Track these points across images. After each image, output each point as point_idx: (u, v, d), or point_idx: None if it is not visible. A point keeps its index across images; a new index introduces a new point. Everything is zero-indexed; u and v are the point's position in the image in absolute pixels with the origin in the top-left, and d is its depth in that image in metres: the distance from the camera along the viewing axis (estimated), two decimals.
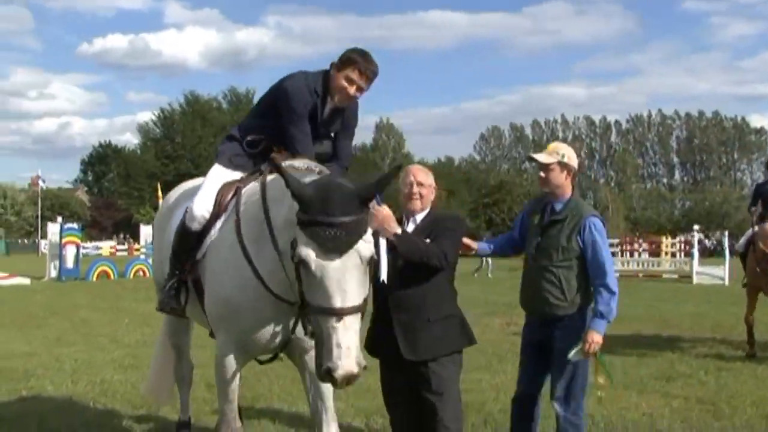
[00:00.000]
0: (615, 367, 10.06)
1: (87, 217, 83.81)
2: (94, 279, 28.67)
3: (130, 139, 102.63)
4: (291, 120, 4.76)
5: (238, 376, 4.56)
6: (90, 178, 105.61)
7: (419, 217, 4.96)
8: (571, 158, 5.41)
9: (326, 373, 3.48)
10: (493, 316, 16.36)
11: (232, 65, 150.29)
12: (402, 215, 4.98)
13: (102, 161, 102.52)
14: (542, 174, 5.41)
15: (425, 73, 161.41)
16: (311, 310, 3.63)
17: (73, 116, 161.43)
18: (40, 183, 59.76)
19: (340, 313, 3.50)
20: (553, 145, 5.54)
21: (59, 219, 32.03)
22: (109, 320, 15.46)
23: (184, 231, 4.89)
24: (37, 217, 74.23)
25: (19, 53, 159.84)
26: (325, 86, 4.86)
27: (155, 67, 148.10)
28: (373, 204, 4.23)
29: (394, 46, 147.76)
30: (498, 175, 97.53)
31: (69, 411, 7.58)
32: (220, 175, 5.00)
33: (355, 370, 3.45)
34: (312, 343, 4.43)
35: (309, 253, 3.55)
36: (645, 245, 38.56)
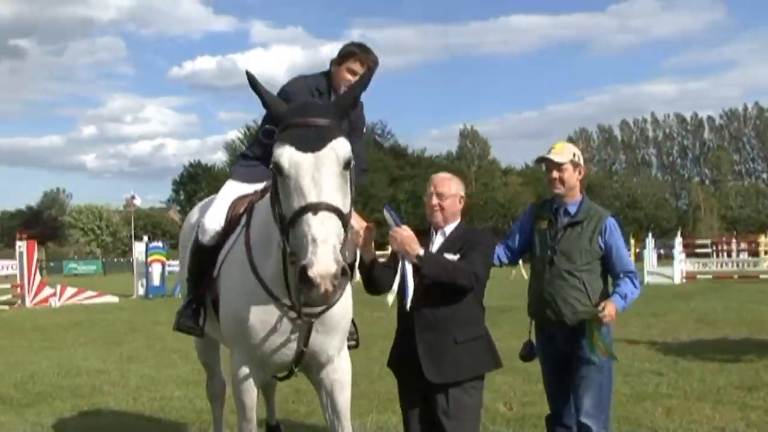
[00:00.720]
0: (692, 374, 9.65)
1: (178, 236, 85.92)
2: (179, 296, 29.09)
3: (221, 158, 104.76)
4: None
5: (255, 393, 4.45)
6: (182, 198, 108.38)
7: (448, 229, 4.71)
8: (581, 157, 5.25)
9: (302, 273, 3.21)
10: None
11: None
12: (430, 227, 4.77)
13: (193, 180, 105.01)
14: (555, 174, 5.18)
15: (511, 78, 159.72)
16: (289, 224, 3.42)
17: (166, 138, 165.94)
18: (135, 203, 61.36)
19: (315, 207, 3.32)
20: (562, 144, 5.32)
21: (145, 238, 32.82)
22: (185, 337, 15.50)
23: (197, 246, 4.85)
24: (130, 237, 76.43)
25: (114, 80, 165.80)
26: (328, 84, 4.81)
27: (244, 86, 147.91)
28: (393, 227, 4.34)
29: (478, 52, 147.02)
30: (586, 178, 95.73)
31: (121, 427, 7.66)
32: (233, 189, 4.94)
33: (332, 268, 3.17)
34: (328, 356, 4.38)
35: (283, 152, 3.46)
36: (743, 245, 37.19)
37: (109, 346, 14.36)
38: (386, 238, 4.49)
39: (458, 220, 4.75)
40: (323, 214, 3.32)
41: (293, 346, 4.26)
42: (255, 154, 4.99)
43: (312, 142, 3.45)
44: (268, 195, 4.43)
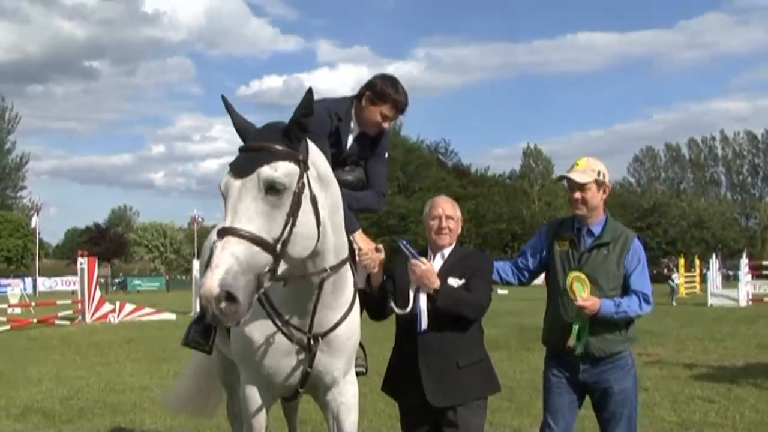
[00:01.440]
0: (745, 402, 9.29)
1: None
2: None
3: None
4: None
5: (264, 415, 4.39)
6: None
7: (447, 251, 4.77)
8: (606, 175, 4.96)
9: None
10: None
11: None
12: (427, 249, 4.81)
13: None
14: (578, 195, 4.89)
15: (577, 97, 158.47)
16: None
17: (233, 156, 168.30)
18: (198, 221, 62.61)
19: (223, 233, 3.31)
20: (585, 161, 5.01)
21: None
22: None
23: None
24: (193, 254, 77.73)
25: (183, 100, 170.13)
26: (350, 108, 4.77)
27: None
28: (410, 259, 4.49)
29: (544, 71, 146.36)
30: (652, 197, 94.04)
31: None
32: None
33: (214, 291, 3.12)
34: (333, 377, 4.33)
35: (223, 177, 3.52)
36: None
37: (157, 362, 14.55)
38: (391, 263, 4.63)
39: (454, 243, 4.82)
40: (227, 240, 3.28)
41: (299, 367, 4.22)
42: None
43: (244, 168, 3.44)
44: None
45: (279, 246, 3.39)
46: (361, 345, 4.82)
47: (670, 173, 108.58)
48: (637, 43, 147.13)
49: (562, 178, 5.06)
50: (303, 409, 7.16)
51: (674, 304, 32.19)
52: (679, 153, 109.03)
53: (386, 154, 5.09)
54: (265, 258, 3.34)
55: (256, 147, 3.51)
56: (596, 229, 4.94)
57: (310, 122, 4.62)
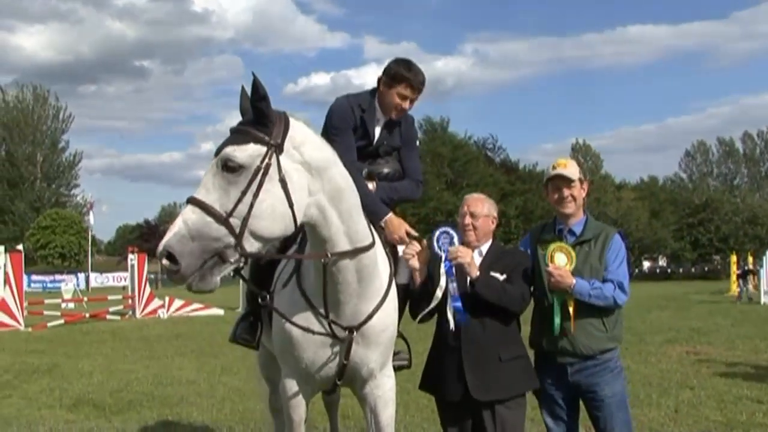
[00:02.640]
0: None
1: None
2: None
3: None
4: (333, 136, 4.70)
5: (303, 409, 4.48)
6: None
7: (483, 248, 4.85)
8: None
9: None
10: (674, 343, 15.37)
11: (431, 94, 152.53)
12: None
13: None
14: (566, 193, 4.94)
15: (628, 91, 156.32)
16: None
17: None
18: None
19: (187, 201, 3.55)
20: (566, 160, 5.08)
21: None
22: None
23: (255, 263, 4.78)
24: None
25: (231, 98, 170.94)
26: (372, 98, 4.88)
27: None
28: (456, 245, 4.62)
29: (593, 64, 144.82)
30: (704, 193, 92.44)
31: None
32: None
33: (159, 248, 3.38)
34: (369, 369, 4.39)
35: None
36: None
37: (205, 357, 14.75)
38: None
39: (491, 240, 4.88)
40: (185, 207, 3.53)
41: (335, 359, 4.30)
42: None
43: (218, 147, 3.67)
44: None
45: (235, 220, 3.49)
46: (403, 338, 4.90)
47: (723, 168, 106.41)
48: (689, 35, 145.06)
49: (552, 177, 5.01)
50: (345, 404, 7.23)
51: (740, 302, 31.81)
52: (733, 147, 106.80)
53: (417, 142, 5.18)
54: (216, 229, 3.46)
55: (233, 129, 3.73)
56: (577, 228, 4.98)
57: (333, 117, 4.84)
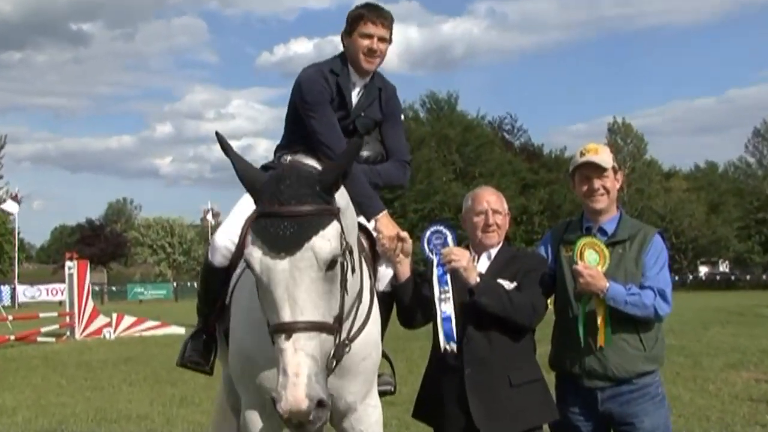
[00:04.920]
0: None
1: None
2: None
3: None
4: (308, 114, 4.87)
5: None
6: None
7: (494, 251, 4.98)
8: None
9: (272, 404, 3.36)
10: (738, 368, 15.28)
11: (437, 65, 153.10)
12: (469, 248, 4.98)
13: None
14: (597, 184, 5.00)
15: (678, 58, 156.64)
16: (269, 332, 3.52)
17: (255, 137, 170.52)
18: (209, 218, 62.79)
19: (288, 329, 3.36)
20: (596, 145, 5.14)
21: None
22: None
23: (207, 267, 4.95)
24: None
25: (194, 70, 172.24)
26: (344, 63, 5.02)
27: None
28: (450, 245, 4.74)
29: (635, 26, 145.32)
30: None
31: None
32: (249, 202, 4.89)
33: (303, 405, 3.23)
34: (347, 403, 4.41)
35: (253, 252, 3.45)
36: None
37: (161, 386, 14.73)
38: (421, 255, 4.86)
39: (502, 241, 5.03)
40: (297, 339, 3.35)
41: None
42: (280, 159, 5.09)
43: (285, 242, 3.39)
44: None
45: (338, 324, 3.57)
46: (387, 357, 4.93)
47: None
48: None
49: (580, 165, 5.07)
50: None
51: None
52: None
53: (401, 116, 5.36)
54: (330, 342, 3.51)
55: (292, 213, 3.43)
56: (609, 227, 5.04)
57: (305, 92, 4.95)
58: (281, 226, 3.39)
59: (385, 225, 4.78)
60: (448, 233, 4.81)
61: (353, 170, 4.63)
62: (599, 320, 4.76)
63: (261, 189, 3.53)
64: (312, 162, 4.38)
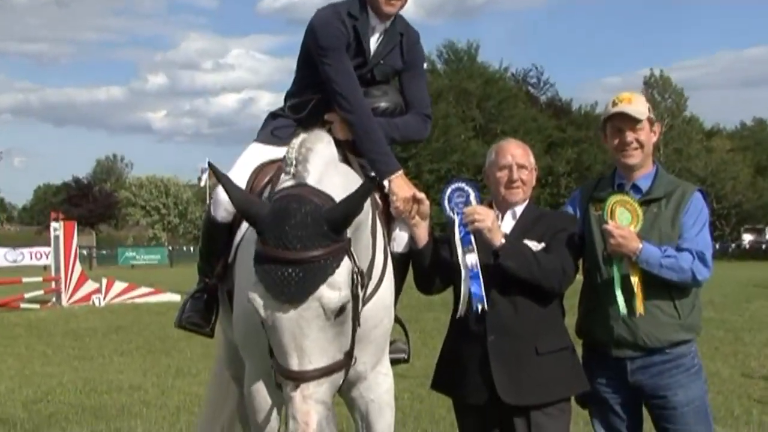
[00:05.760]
0: None
1: None
2: None
3: None
4: (323, 60, 4.83)
5: (275, 416, 4.47)
6: None
7: (519, 209, 4.95)
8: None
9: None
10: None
11: (456, 12, 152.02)
12: (492, 206, 4.97)
13: None
14: (630, 137, 4.95)
15: (727, 2, 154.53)
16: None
17: (257, 90, 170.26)
18: (204, 177, 62.56)
19: (296, 378, 3.46)
20: (631, 94, 5.07)
21: None
22: None
23: (209, 222, 4.94)
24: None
25: (189, 15, 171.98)
26: (363, 5, 4.93)
27: None
28: (473, 204, 4.71)
29: None
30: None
31: None
32: (256, 152, 5.03)
33: None
34: (357, 372, 4.40)
35: (256, 297, 3.47)
36: None
37: (154, 355, 14.91)
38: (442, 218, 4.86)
39: (528, 199, 5.00)
40: (309, 388, 3.43)
41: None
42: (291, 107, 5.12)
43: (291, 292, 3.39)
44: None
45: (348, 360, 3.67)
46: (400, 323, 4.95)
47: None
48: None
49: (610, 118, 5.04)
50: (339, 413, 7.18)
51: None
52: None
53: (424, 65, 5.32)
54: (342, 376, 3.64)
55: (297, 259, 3.40)
56: (644, 183, 5.00)
57: (319, 36, 4.90)
58: (286, 272, 3.38)
59: (399, 186, 4.75)
60: (470, 191, 4.80)
61: (368, 124, 4.69)
62: (635, 285, 4.71)
63: (264, 225, 3.49)
64: (325, 143, 4.18)
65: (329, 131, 4.63)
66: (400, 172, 4.82)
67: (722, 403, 9.67)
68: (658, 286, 4.75)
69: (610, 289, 4.79)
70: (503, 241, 4.59)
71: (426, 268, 4.84)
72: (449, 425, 8.08)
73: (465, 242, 4.67)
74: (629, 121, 4.91)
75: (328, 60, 4.80)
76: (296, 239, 3.39)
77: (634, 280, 4.72)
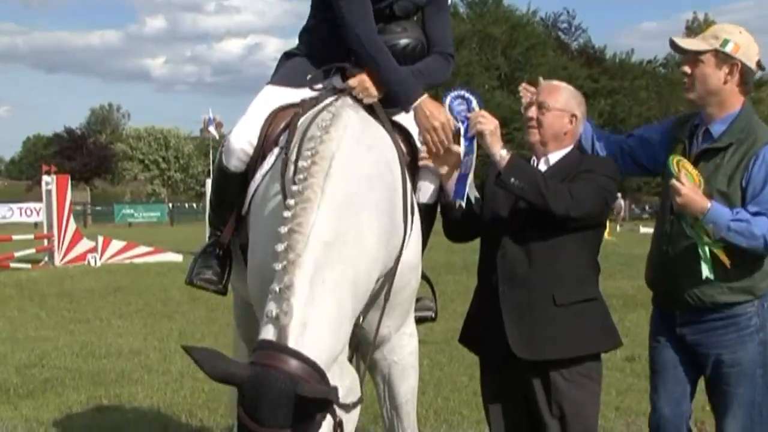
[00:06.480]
0: None
1: None
2: None
3: None
4: None
5: None
6: None
7: (554, 157, 4.85)
8: (742, 48, 4.74)
9: None
10: None
11: None
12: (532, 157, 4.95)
13: None
14: (687, 69, 4.84)
15: None
16: None
17: (264, 35, 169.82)
18: (212, 129, 62.32)
19: None
20: (717, 27, 4.93)
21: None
22: None
23: (220, 172, 4.93)
24: (207, 173, 79.10)
25: None
26: None
27: None
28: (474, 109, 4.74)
29: None
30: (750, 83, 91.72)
31: (142, 427, 8.04)
32: (271, 95, 4.97)
33: None
34: (381, 336, 4.44)
35: None
36: None
37: (155, 319, 14.99)
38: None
39: (569, 146, 4.89)
40: None
41: None
42: (305, 47, 5.12)
43: None
44: (320, 108, 4.54)
45: None
46: (427, 279, 4.99)
47: None
48: None
49: (672, 46, 4.95)
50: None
51: None
52: None
53: (449, 2, 5.26)
54: None
55: None
56: (717, 129, 4.83)
57: None
58: None
59: (428, 108, 4.72)
60: (472, 98, 4.82)
61: (380, 58, 4.73)
62: (707, 246, 4.61)
63: (243, 391, 3.52)
64: (344, 123, 4.23)
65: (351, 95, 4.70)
66: (425, 96, 4.79)
67: None
68: (707, 256, 4.65)
69: (662, 240, 4.86)
70: (504, 153, 4.55)
71: (458, 218, 4.86)
72: (472, 393, 8.16)
73: (469, 151, 4.71)
74: (684, 53, 4.90)
75: None
76: (269, 418, 3.44)
77: (704, 240, 4.62)
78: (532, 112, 4.82)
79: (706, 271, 4.59)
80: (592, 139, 5.27)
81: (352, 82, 4.77)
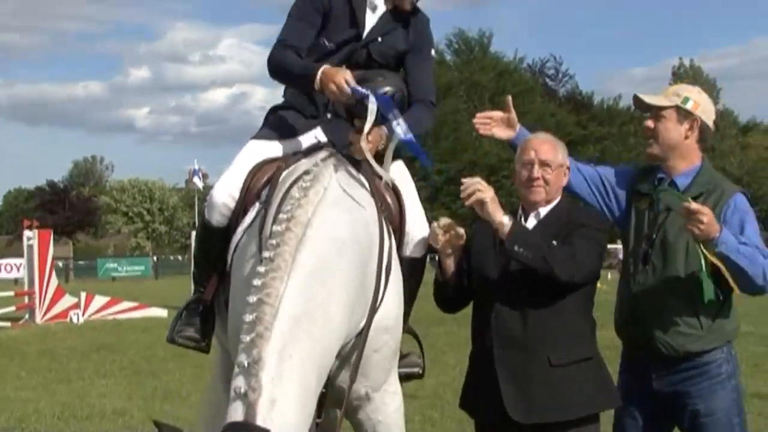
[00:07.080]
0: None
1: None
2: None
3: None
4: (288, 17, 5.08)
5: None
6: None
7: (544, 211, 4.91)
8: (701, 106, 5.04)
9: None
10: None
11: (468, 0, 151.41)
12: (518, 208, 4.98)
13: None
14: (650, 124, 5.07)
15: None
16: None
17: (250, 84, 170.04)
18: (196, 180, 62.22)
19: None
20: (679, 86, 5.20)
21: None
22: None
23: (203, 227, 5.00)
24: (192, 225, 78.90)
25: (175, 2, 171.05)
26: None
27: None
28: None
29: None
30: (708, 139, 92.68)
31: None
32: (255, 150, 5.06)
33: None
34: (360, 396, 4.48)
35: None
36: None
37: (140, 377, 14.89)
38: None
39: (558, 198, 4.95)
40: None
41: None
42: (290, 97, 5.22)
43: None
44: (304, 162, 4.65)
45: None
46: (414, 334, 5.06)
47: None
48: None
49: (635, 100, 5.19)
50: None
51: None
52: None
53: (431, 51, 5.39)
54: None
55: None
56: (682, 181, 5.05)
57: None
58: None
59: (328, 73, 4.75)
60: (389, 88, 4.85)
61: (281, 60, 5.01)
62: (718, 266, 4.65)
63: None
64: (334, 165, 4.46)
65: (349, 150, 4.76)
66: (323, 66, 4.81)
67: (765, 425, 9.64)
68: (682, 296, 4.82)
69: (633, 289, 4.96)
70: (506, 221, 4.56)
71: (452, 295, 4.93)
72: None
73: (388, 109, 4.72)
74: (646, 107, 5.14)
75: (289, 18, 5.03)
76: None
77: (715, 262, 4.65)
78: (537, 171, 4.83)
79: (710, 294, 4.66)
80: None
81: (353, 137, 4.79)
